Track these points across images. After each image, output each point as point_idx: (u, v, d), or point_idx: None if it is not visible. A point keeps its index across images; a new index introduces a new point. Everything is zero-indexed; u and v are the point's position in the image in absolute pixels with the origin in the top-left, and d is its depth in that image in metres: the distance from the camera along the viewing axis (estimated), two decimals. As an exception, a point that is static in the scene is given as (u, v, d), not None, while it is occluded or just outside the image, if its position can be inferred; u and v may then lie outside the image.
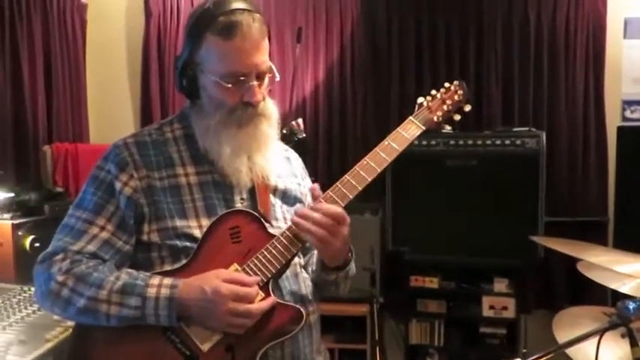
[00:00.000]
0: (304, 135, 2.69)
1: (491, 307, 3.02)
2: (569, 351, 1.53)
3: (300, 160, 1.54)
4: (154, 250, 1.30)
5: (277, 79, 1.33)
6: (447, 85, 1.45)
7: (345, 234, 1.28)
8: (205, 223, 1.30)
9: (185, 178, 1.33)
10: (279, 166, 1.43)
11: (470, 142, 2.98)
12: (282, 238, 1.28)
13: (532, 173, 2.89)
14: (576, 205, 3.33)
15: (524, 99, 3.35)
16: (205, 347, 1.24)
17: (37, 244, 2.53)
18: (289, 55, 3.47)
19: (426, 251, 3.03)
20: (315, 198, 1.31)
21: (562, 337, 1.63)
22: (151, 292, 1.22)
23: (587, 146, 3.33)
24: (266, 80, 1.31)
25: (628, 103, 3.36)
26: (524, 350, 1.57)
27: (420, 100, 1.43)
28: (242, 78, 1.27)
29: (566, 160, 3.33)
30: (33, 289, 2.25)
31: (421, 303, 3.13)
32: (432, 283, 3.09)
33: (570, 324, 1.73)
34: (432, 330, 3.11)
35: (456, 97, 1.43)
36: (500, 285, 3.03)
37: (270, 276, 1.26)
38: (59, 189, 2.93)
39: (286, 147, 1.54)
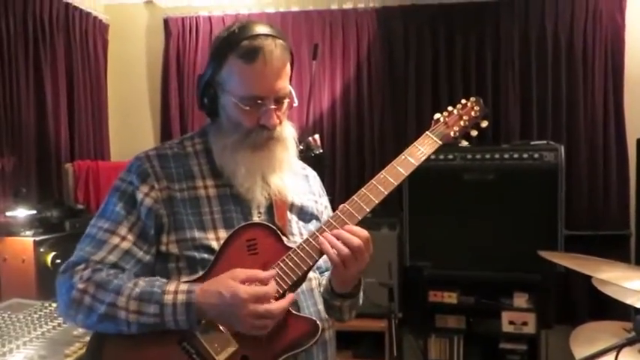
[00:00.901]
0: (321, 150, 2.71)
1: (511, 323, 2.98)
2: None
3: (317, 178, 1.56)
4: (171, 261, 1.32)
5: (295, 104, 1.36)
6: (463, 101, 1.46)
7: (367, 261, 1.29)
8: (223, 235, 1.31)
9: (204, 190, 1.36)
10: (297, 184, 1.45)
11: (487, 156, 2.96)
12: (298, 251, 1.29)
13: (551, 187, 2.86)
14: (597, 219, 3.29)
15: (542, 112, 3.32)
16: (220, 358, 1.25)
17: (58, 261, 2.58)
18: (306, 72, 3.50)
19: (445, 266, 3.01)
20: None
21: (579, 352, 1.61)
22: (168, 298, 1.24)
23: (607, 159, 3.29)
24: (284, 104, 1.33)
25: (649, 114, 3.31)
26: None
27: (437, 116, 1.44)
28: (260, 102, 1.30)
29: (586, 173, 3.29)
30: (54, 304, 2.30)
31: (440, 318, 3.11)
32: (451, 298, 3.06)
33: (588, 339, 1.71)
34: (451, 346, 3.08)
35: (472, 113, 1.44)
36: (520, 300, 2.99)
37: (286, 287, 1.27)
38: (80, 206, 2.99)
39: (304, 165, 1.56)
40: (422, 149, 1.39)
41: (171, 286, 1.26)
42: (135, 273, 1.31)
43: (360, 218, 1.31)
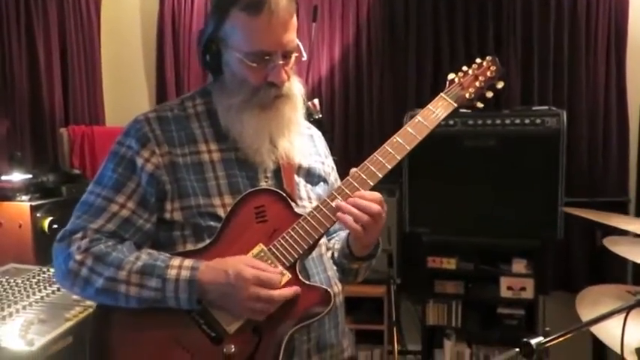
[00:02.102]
0: (320, 115, 2.66)
1: (510, 288, 2.98)
2: (594, 328, 1.51)
3: (322, 138, 1.51)
4: (176, 229, 1.28)
5: (304, 58, 1.30)
6: (478, 60, 1.40)
7: (384, 222, 1.26)
8: (229, 201, 1.27)
9: (208, 155, 1.30)
10: (303, 145, 1.40)
11: (488, 121, 2.93)
12: (309, 218, 1.25)
13: (552, 153, 2.83)
14: (596, 185, 3.28)
15: (543, 78, 3.28)
16: (231, 329, 1.22)
17: (55, 226, 2.55)
18: (305, 35, 3.43)
19: (444, 232, 3.00)
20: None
21: (585, 315, 1.61)
22: (171, 273, 1.20)
23: (607, 126, 3.26)
24: (292, 59, 1.27)
25: (650, 82, 3.28)
26: (548, 328, 1.54)
27: (451, 76, 1.38)
28: (267, 57, 1.23)
29: (587, 140, 3.26)
30: (52, 269, 2.28)
31: (439, 284, 3.11)
32: (450, 264, 3.06)
33: (593, 302, 1.71)
34: (449, 311, 3.09)
35: (488, 74, 1.39)
36: (519, 266, 2.99)
37: (297, 256, 1.24)
38: (76, 171, 2.94)
39: (309, 124, 1.50)
40: (436, 112, 1.33)
41: (176, 261, 1.22)
42: (134, 242, 1.27)
43: (372, 184, 1.27)
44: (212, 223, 1.26)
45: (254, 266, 1.20)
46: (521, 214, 2.87)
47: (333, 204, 1.24)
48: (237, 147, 1.31)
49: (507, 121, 2.91)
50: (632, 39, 3.23)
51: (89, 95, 3.38)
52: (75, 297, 2.09)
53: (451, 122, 2.99)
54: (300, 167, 1.38)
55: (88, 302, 2.12)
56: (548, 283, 3.17)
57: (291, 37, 1.25)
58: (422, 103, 3.49)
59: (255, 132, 1.28)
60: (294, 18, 1.25)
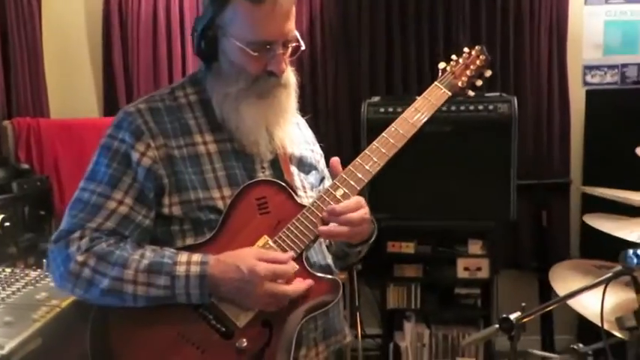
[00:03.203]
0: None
1: (466, 269, 3.10)
2: (571, 301, 1.60)
3: (307, 125, 1.51)
4: (174, 224, 1.25)
5: (303, 47, 1.28)
6: (466, 49, 1.44)
7: (368, 217, 1.28)
8: (228, 193, 1.25)
9: (204, 146, 1.27)
10: (294, 133, 1.40)
11: (444, 108, 2.98)
12: (313, 208, 1.25)
13: (504, 137, 2.95)
14: (542, 168, 3.44)
15: (492, 65, 3.39)
16: (241, 323, 1.21)
17: (7, 224, 2.42)
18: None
19: (402, 217, 3.07)
20: (336, 173, 1.29)
21: (560, 288, 1.70)
22: (180, 270, 1.17)
23: (551, 110, 3.43)
24: (290, 48, 1.26)
25: (589, 68, 3.48)
26: (523, 304, 1.62)
27: (443, 65, 1.42)
28: (268, 47, 1.21)
29: (532, 125, 3.42)
30: (8, 269, 2.17)
31: (398, 268, 3.18)
32: (409, 248, 3.14)
33: (564, 277, 1.81)
34: (408, 294, 3.17)
35: (478, 62, 1.42)
36: (475, 247, 3.11)
37: (303, 247, 1.23)
38: (25, 166, 2.80)
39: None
40: (432, 101, 1.36)
41: (183, 257, 1.19)
42: (134, 239, 1.23)
43: (374, 173, 1.29)
44: (212, 217, 1.24)
45: (266, 259, 1.18)
46: (477, 196, 2.98)
47: (319, 228, 1.24)
48: (232, 138, 1.29)
49: (462, 108, 3.00)
50: (571, 26, 3.41)
51: (32, 87, 3.20)
52: (38, 297, 2.00)
53: (407, 109, 3.05)
54: (292, 156, 1.38)
55: (55, 302, 2.04)
56: (499, 262, 3.31)
57: (292, 27, 1.24)
58: (376, 92, 3.55)
59: (252, 121, 1.26)
60: (294, 7, 1.25)
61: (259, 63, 1.23)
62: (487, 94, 3.11)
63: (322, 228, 1.23)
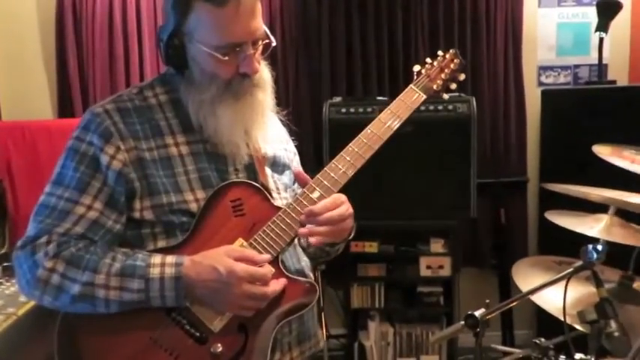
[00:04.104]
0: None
1: (429, 267, 3.13)
2: (533, 297, 1.63)
3: (280, 123, 1.48)
4: (145, 227, 1.22)
5: (274, 44, 1.26)
6: (441, 53, 1.45)
7: (351, 212, 1.27)
8: (201, 196, 1.22)
9: (176, 148, 1.24)
10: (270, 133, 1.37)
11: (406, 108, 3.03)
12: (289, 211, 1.23)
13: (464, 137, 3.00)
14: (499, 166, 3.52)
15: (465, 68, 3.44)
16: (216, 327, 1.18)
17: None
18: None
19: (365, 217, 3.02)
20: (303, 184, 1.27)
21: (523, 284, 1.73)
22: (154, 272, 1.14)
23: (507, 111, 3.50)
24: (261, 46, 1.23)
25: (543, 69, 3.57)
26: (487, 300, 1.65)
27: (417, 68, 1.43)
28: (238, 49, 1.18)
29: (489, 124, 3.49)
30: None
31: (361, 268, 3.19)
32: (372, 247, 3.15)
33: (525, 273, 1.84)
34: (372, 293, 3.19)
35: (452, 66, 1.44)
36: (437, 245, 3.15)
37: (279, 250, 1.22)
38: (-24, 169, 2.69)
39: None
40: (408, 103, 1.37)
41: (157, 259, 1.16)
42: (103, 243, 1.19)
43: (350, 175, 1.28)
44: (185, 220, 1.22)
45: (242, 257, 1.16)
46: (438, 195, 3.03)
47: (299, 230, 1.23)
48: (205, 139, 1.26)
49: (422, 108, 3.00)
50: (526, 28, 3.49)
51: (-18, 87, 3.09)
52: (-7, 306, 1.94)
53: (369, 109, 3.08)
54: (265, 157, 1.36)
55: (11, 309, 1.97)
56: (459, 260, 3.37)
57: (259, 24, 1.21)
58: (337, 93, 3.55)
59: (230, 123, 1.23)
60: (259, 3, 1.21)
61: (230, 66, 1.20)
62: (446, 95, 3.15)
63: (302, 230, 1.21)
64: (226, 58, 1.18)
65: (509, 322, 3.46)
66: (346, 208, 1.27)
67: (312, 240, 1.21)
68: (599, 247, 1.45)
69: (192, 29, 1.19)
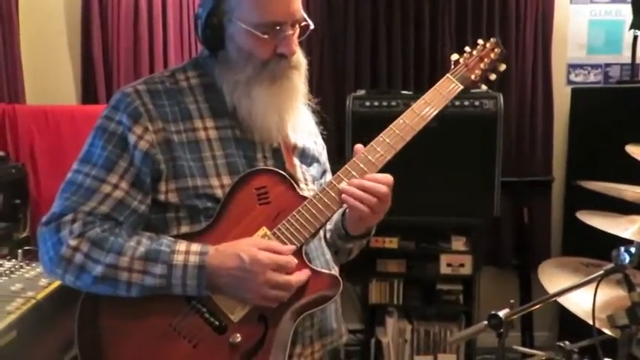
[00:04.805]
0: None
1: (449, 265, 3.09)
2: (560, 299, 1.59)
3: (310, 114, 1.44)
4: (170, 211, 1.20)
5: (312, 27, 1.24)
6: (481, 41, 1.41)
7: (390, 202, 1.24)
8: (227, 182, 1.21)
9: (204, 132, 1.23)
10: (301, 121, 1.36)
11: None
12: (315, 201, 1.21)
13: (490, 134, 2.95)
14: (524, 165, 3.45)
15: (507, 59, 3.38)
16: (236, 317, 1.17)
17: (-17, 214, 2.34)
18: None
19: (386, 212, 3.04)
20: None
21: (549, 286, 1.69)
22: (178, 259, 1.13)
23: (534, 108, 3.43)
24: (298, 29, 1.22)
25: (573, 67, 3.49)
26: (512, 301, 1.61)
27: (455, 57, 1.38)
28: (278, 28, 1.17)
29: (515, 122, 3.43)
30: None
31: (381, 263, 3.16)
32: (392, 243, 3.11)
33: (551, 274, 1.80)
34: (391, 289, 3.15)
35: (492, 56, 1.39)
36: (458, 243, 3.11)
37: (303, 241, 1.20)
38: (1, 153, 2.70)
39: None
40: (443, 93, 1.32)
41: (182, 246, 1.15)
42: (128, 225, 1.19)
43: (380, 167, 1.26)
44: (210, 205, 1.20)
45: (268, 248, 1.15)
46: (461, 193, 2.97)
47: (340, 186, 1.21)
48: (235, 124, 1.25)
49: (448, 103, 2.97)
50: (557, 25, 3.41)
51: (8, 72, 3.09)
52: (13, 288, 1.94)
53: (393, 103, 3.03)
54: (295, 147, 1.34)
55: (30, 293, 1.97)
56: (481, 259, 3.32)
57: (299, 6, 1.21)
58: (361, 86, 3.52)
59: (265, 106, 1.22)
60: None
61: (269, 46, 1.19)
62: (473, 90, 3.10)
63: (345, 196, 1.19)
64: (266, 36, 1.17)
65: (529, 323, 3.41)
66: (389, 190, 1.24)
67: (355, 204, 1.18)
68: (632, 250, 1.40)
69: (233, 7, 1.19)
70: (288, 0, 1.18)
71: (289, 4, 1.18)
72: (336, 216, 1.35)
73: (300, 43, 3.38)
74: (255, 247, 1.14)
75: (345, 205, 1.24)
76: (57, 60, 3.36)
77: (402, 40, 3.40)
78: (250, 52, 1.20)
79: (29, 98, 3.26)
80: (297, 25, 1.22)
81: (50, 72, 3.36)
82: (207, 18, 1.20)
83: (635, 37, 3.12)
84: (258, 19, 1.17)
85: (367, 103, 3.04)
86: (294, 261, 1.16)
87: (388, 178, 1.23)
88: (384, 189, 1.21)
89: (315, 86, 3.41)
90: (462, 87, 1.34)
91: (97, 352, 1.18)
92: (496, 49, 1.40)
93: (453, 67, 1.37)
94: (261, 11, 1.16)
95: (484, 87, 1.39)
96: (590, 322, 1.54)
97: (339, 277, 1.21)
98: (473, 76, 1.37)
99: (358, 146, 1.28)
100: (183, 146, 1.20)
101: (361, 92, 3.16)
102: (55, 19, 3.36)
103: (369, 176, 1.22)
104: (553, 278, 1.72)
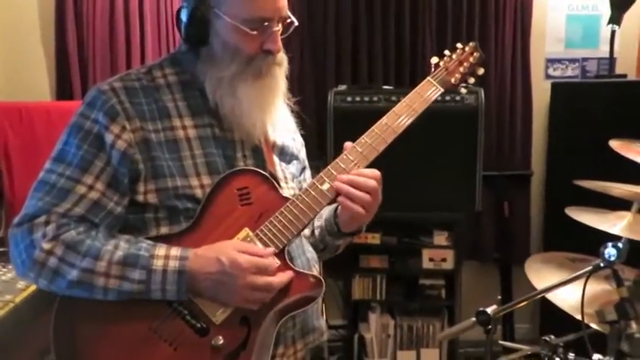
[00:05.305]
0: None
1: (431, 260, 3.10)
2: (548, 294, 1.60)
3: (288, 111, 1.43)
4: (148, 211, 1.17)
5: (296, 24, 1.24)
6: (460, 45, 1.41)
7: (380, 197, 1.23)
8: (207, 182, 1.19)
9: (183, 131, 1.20)
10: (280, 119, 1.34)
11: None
12: (297, 202, 1.19)
13: (471, 129, 2.95)
14: (503, 159, 3.47)
15: (485, 62, 3.38)
16: (218, 319, 1.15)
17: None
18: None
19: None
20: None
21: (536, 280, 1.70)
22: (158, 264, 1.10)
23: (513, 102, 3.45)
24: (281, 26, 1.21)
25: (551, 61, 3.52)
26: (499, 297, 1.61)
27: (435, 60, 1.38)
28: (266, 24, 1.16)
29: (495, 116, 3.44)
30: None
31: (363, 259, 3.15)
32: (374, 239, 3.11)
33: (538, 269, 1.80)
34: (374, 285, 3.15)
35: (471, 59, 1.39)
36: (440, 238, 3.11)
37: (286, 242, 1.18)
38: (-29, 150, 2.62)
39: None
40: (424, 96, 1.33)
41: (161, 250, 1.12)
42: (104, 227, 1.15)
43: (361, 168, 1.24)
44: (189, 205, 1.18)
45: (247, 251, 1.13)
46: (442, 188, 2.98)
47: (334, 184, 1.20)
48: (214, 122, 1.23)
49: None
50: (535, 20, 3.43)
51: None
52: (-9, 292, 1.89)
53: (375, 98, 3.02)
54: (274, 144, 1.33)
55: (8, 297, 1.92)
56: (462, 253, 3.33)
57: (285, 3, 1.20)
58: (341, 81, 3.48)
59: (249, 103, 1.20)
60: None
61: (256, 42, 1.18)
62: (466, 91, 3.10)
63: (340, 198, 1.19)
64: (255, 32, 1.16)
65: (510, 315, 3.44)
66: (378, 186, 1.23)
67: (350, 205, 1.18)
68: (620, 245, 1.41)
69: (219, 2, 1.17)
70: None
71: (277, 0, 1.17)
72: (328, 213, 1.35)
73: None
74: (236, 250, 1.12)
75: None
76: (30, 55, 3.27)
77: (382, 35, 3.38)
78: (236, 47, 1.18)
79: (2, 95, 3.17)
80: (283, 22, 1.21)
81: (24, 68, 3.27)
82: (191, 12, 1.18)
83: (613, 32, 3.15)
84: (247, 14, 1.15)
85: (349, 99, 3.03)
86: (276, 263, 1.15)
87: (376, 172, 1.23)
88: (373, 183, 1.21)
89: (297, 82, 3.37)
90: (442, 90, 1.35)
91: (74, 357, 1.15)
92: (475, 53, 1.40)
93: (433, 70, 1.37)
94: (250, 6, 1.15)
95: (463, 90, 1.39)
96: (575, 316, 1.55)
97: (322, 278, 1.20)
98: (453, 80, 1.37)
99: (347, 143, 1.27)
100: (161, 145, 1.18)
101: (342, 87, 3.13)
102: (28, 13, 3.27)
103: (357, 171, 1.21)
104: (540, 273, 1.73)
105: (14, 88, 3.20)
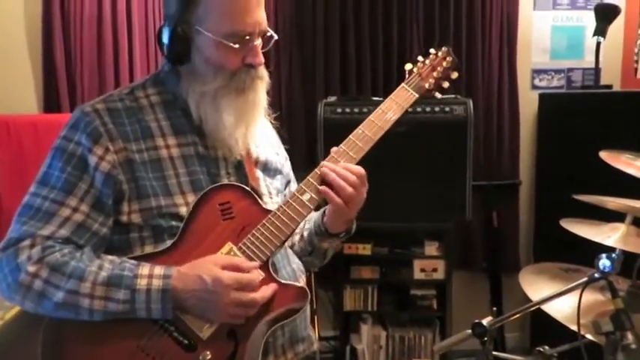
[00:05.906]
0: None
1: (422, 270, 3.11)
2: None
3: (271, 127, 1.45)
4: (133, 231, 1.18)
5: (275, 37, 1.25)
6: (432, 51, 1.43)
7: (364, 196, 1.25)
8: (192, 199, 1.19)
9: (166, 150, 1.21)
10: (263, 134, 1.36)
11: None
12: (279, 214, 1.21)
13: (460, 139, 2.97)
14: (491, 169, 3.50)
15: (458, 67, 3.40)
16: (205, 335, 1.15)
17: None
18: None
19: (359, 218, 3.01)
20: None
21: (530, 291, 1.71)
22: (141, 283, 1.11)
23: (501, 112, 3.48)
24: (261, 40, 1.23)
25: (537, 72, 3.56)
26: (494, 308, 1.62)
27: (409, 66, 1.40)
28: (247, 37, 1.18)
29: (483, 127, 3.47)
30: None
31: (355, 270, 3.16)
32: (365, 249, 3.12)
33: (531, 280, 1.82)
34: (365, 296, 3.15)
35: (444, 64, 1.41)
36: (431, 248, 3.13)
37: (269, 254, 1.19)
38: (-42, 165, 2.58)
39: None
40: (400, 102, 1.34)
41: (144, 269, 1.12)
42: (89, 248, 1.16)
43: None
44: (174, 224, 1.19)
45: (230, 266, 1.13)
46: (433, 198, 2.99)
47: (320, 170, 1.23)
48: (197, 141, 1.24)
49: (418, 109, 2.99)
50: (521, 30, 3.48)
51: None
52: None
53: (364, 109, 3.03)
54: (257, 160, 1.34)
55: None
56: (453, 263, 3.34)
57: (264, 17, 1.21)
58: (330, 92, 3.49)
59: (233, 118, 1.21)
60: None
61: (237, 56, 1.20)
62: (442, 96, 3.12)
63: (322, 187, 1.21)
64: (237, 46, 1.17)
65: (500, 325, 3.44)
66: (365, 186, 1.26)
67: (330, 195, 1.21)
68: (614, 256, 1.42)
69: (200, 18, 1.18)
70: (255, 10, 1.18)
71: (257, 14, 1.19)
72: (317, 215, 1.36)
73: (267, 52, 3.34)
74: (218, 265, 1.13)
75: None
76: (17, 68, 3.23)
77: (370, 46, 3.41)
78: (219, 62, 1.19)
79: (-13, 107, 3.13)
80: (264, 35, 1.23)
81: (10, 80, 3.22)
82: (173, 31, 1.19)
83: (599, 44, 3.20)
84: (228, 29, 1.17)
85: (339, 110, 3.03)
86: (259, 277, 1.16)
87: (360, 170, 1.25)
88: (353, 178, 1.22)
89: (285, 92, 3.38)
90: (416, 95, 1.37)
91: None
92: (448, 58, 1.41)
93: (407, 76, 1.39)
94: (230, 21, 1.17)
95: (438, 95, 1.40)
96: (570, 327, 1.56)
97: (306, 288, 1.21)
98: (427, 85, 1.39)
99: (333, 149, 1.30)
100: (145, 165, 1.18)
101: (332, 99, 3.15)
102: (15, 26, 3.23)
103: (344, 165, 1.24)
104: (533, 284, 1.74)
105: (1, 101, 3.16)
